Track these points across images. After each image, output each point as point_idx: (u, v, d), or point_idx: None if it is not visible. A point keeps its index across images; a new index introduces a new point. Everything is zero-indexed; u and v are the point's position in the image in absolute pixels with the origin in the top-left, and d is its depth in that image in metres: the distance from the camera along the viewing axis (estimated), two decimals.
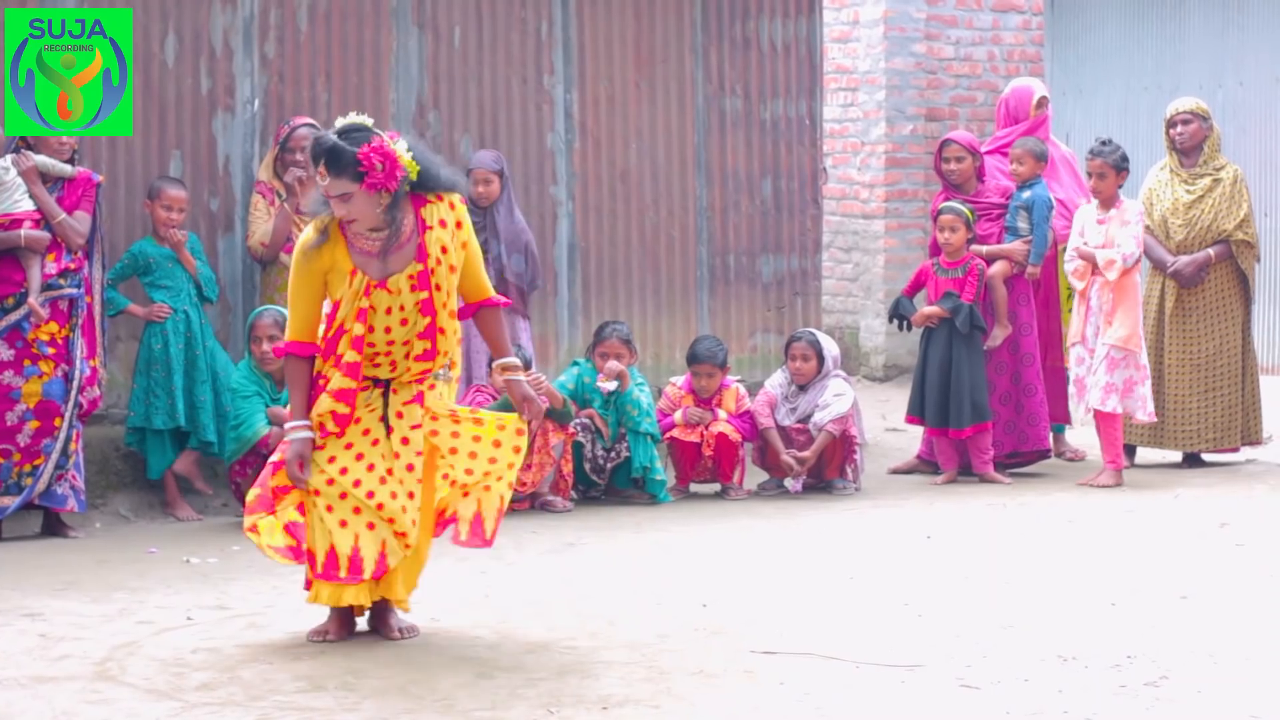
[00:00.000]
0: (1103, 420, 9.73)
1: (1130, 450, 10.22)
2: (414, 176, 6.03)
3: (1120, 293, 9.62)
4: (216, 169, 9.34)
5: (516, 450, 6.27)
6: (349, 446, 6.10)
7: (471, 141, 9.92)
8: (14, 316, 8.25)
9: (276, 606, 6.77)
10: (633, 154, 10.42)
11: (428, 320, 6.07)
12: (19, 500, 8.22)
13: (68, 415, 8.29)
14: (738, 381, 9.72)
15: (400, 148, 6.02)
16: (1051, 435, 10.28)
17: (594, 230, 10.34)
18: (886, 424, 11.67)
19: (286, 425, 6.16)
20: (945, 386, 9.87)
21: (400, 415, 6.13)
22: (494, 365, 6.34)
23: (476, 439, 6.24)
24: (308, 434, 6.08)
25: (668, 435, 9.50)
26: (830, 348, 9.73)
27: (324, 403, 6.08)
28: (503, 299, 6.44)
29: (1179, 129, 10.12)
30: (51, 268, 8.29)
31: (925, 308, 10.03)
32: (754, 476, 9.74)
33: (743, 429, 9.49)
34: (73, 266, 8.34)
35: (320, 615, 6.32)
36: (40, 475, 8.24)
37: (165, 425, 8.79)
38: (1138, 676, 5.69)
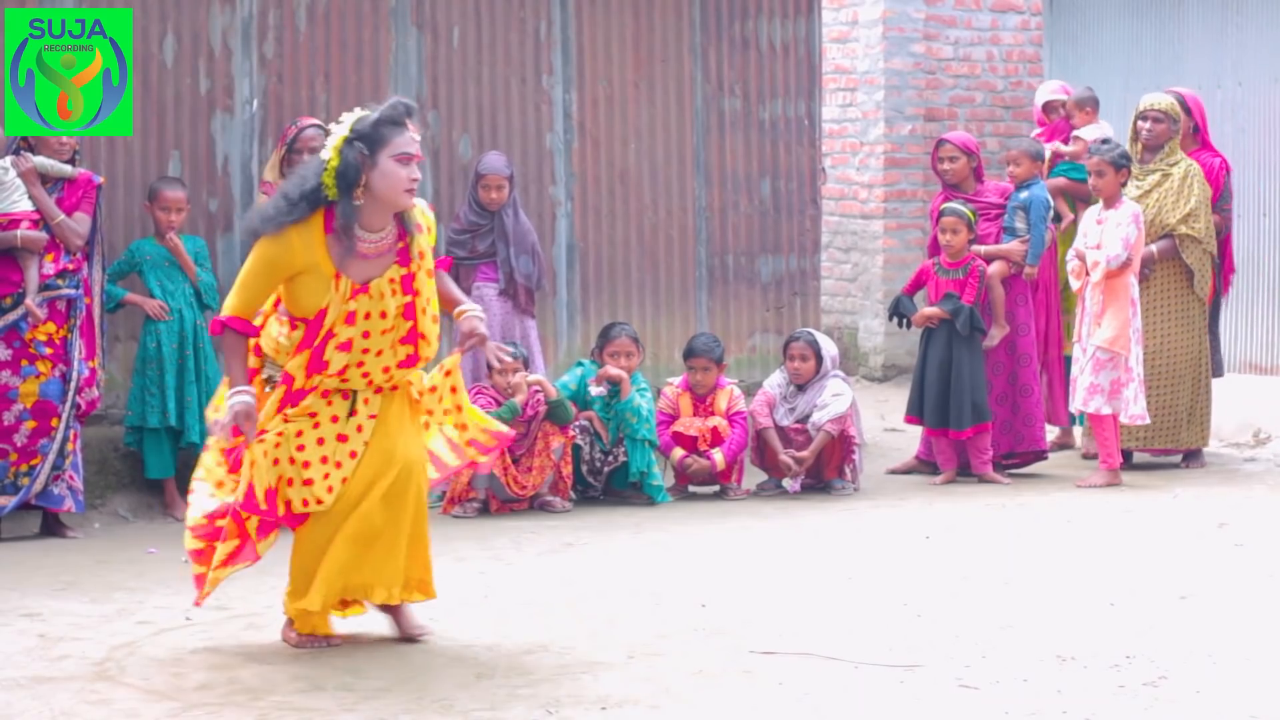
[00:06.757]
0: (1095, 421, 9.73)
1: (1127, 452, 10.17)
2: None
3: (1110, 294, 9.59)
4: (215, 169, 9.34)
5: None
6: (316, 426, 6.07)
7: (471, 141, 9.92)
8: (11, 317, 8.25)
9: (276, 607, 6.76)
10: (631, 154, 10.42)
11: (409, 325, 6.06)
12: (15, 500, 8.23)
13: (65, 416, 8.29)
14: (733, 383, 9.71)
15: None
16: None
17: (593, 230, 10.34)
18: (885, 424, 11.67)
19: (228, 394, 6.00)
20: (945, 387, 9.86)
21: (366, 401, 6.10)
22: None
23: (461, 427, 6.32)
24: (248, 397, 5.95)
25: (667, 434, 9.48)
26: (829, 348, 9.73)
27: (308, 401, 6.05)
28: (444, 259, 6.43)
29: (1148, 124, 10.03)
30: (49, 268, 8.29)
31: (926, 308, 10.03)
32: (752, 476, 9.73)
33: (735, 442, 9.45)
34: (71, 267, 8.34)
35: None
36: (37, 475, 8.24)
37: (159, 424, 8.79)
38: (1137, 677, 5.69)
